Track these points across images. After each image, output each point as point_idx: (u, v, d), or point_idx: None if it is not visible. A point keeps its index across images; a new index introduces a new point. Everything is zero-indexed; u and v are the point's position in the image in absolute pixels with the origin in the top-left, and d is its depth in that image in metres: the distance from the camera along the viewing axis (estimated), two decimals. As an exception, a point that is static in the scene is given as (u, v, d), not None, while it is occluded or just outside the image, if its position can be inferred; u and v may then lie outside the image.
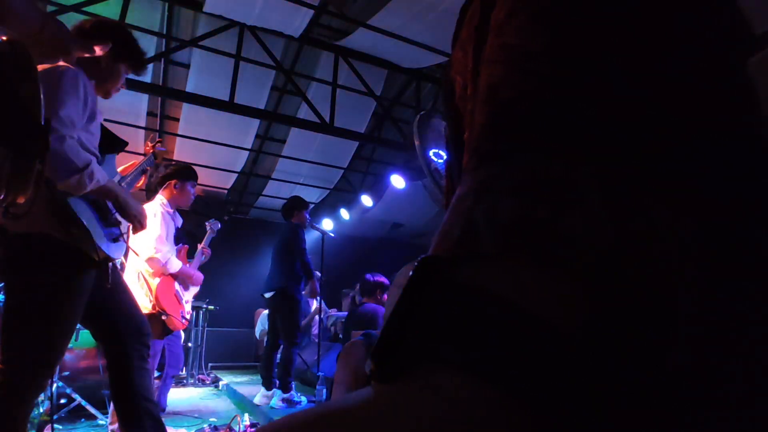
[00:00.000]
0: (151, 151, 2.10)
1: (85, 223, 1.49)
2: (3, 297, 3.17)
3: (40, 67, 1.38)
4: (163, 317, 2.55)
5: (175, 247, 2.84)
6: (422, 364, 0.24)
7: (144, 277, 2.60)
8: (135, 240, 2.59)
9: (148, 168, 2.08)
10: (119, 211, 1.65)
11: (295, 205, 4.04)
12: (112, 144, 1.74)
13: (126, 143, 1.87)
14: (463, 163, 0.35)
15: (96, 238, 1.51)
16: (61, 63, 1.43)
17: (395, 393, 0.24)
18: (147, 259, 2.56)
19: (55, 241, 1.45)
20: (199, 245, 3.18)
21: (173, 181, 2.81)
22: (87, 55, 1.34)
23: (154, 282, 2.59)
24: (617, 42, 0.29)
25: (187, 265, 2.93)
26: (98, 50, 1.48)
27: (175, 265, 2.69)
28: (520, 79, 0.30)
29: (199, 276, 2.93)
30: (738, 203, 0.28)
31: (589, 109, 0.28)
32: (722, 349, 0.25)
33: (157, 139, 2.18)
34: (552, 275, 0.24)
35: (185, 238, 3.21)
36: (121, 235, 1.69)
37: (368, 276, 4.34)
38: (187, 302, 2.84)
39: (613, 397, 0.23)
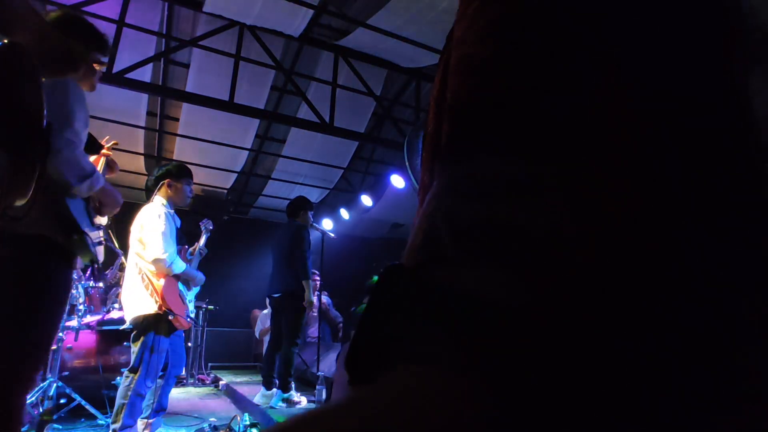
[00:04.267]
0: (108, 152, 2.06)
1: (85, 229, 1.52)
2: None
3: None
4: (170, 317, 2.55)
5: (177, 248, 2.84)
6: (392, 363, 0.25)
7: (148, 277, 2.60)
8: (140, 241, 2.59)
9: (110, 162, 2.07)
10: (106, 207, 1.71)
11: (302, 205, 4.02)
12: (91, 146, 1.78)
13: (102, 146, 1.98)
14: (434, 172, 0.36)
15: (89, 243, 1.56)
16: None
17: (370, 394, 0.25)
18: (153, 260, 2.56)
19: (55, 244, 1.47)
20: (196, 244, 3.18)
21: (167, 181, 2.81)
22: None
23: (159, 283, 2.59)
24: (563, 45, 0.29)
25: (188, 264, 2.93)
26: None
27: (180, 265, 2.69)
28: (476, 85, 0.31)
29: (202, 276, 2.94)
30: (699, 202, 0.28)
31: (545, 111, 0.28)
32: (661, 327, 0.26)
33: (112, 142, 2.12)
34: (513, 274, 0.25)
35: (185, 238, 3.21)
36: (107, 238, 1.73)
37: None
38: (189, 302, 2.85)
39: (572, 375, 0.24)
